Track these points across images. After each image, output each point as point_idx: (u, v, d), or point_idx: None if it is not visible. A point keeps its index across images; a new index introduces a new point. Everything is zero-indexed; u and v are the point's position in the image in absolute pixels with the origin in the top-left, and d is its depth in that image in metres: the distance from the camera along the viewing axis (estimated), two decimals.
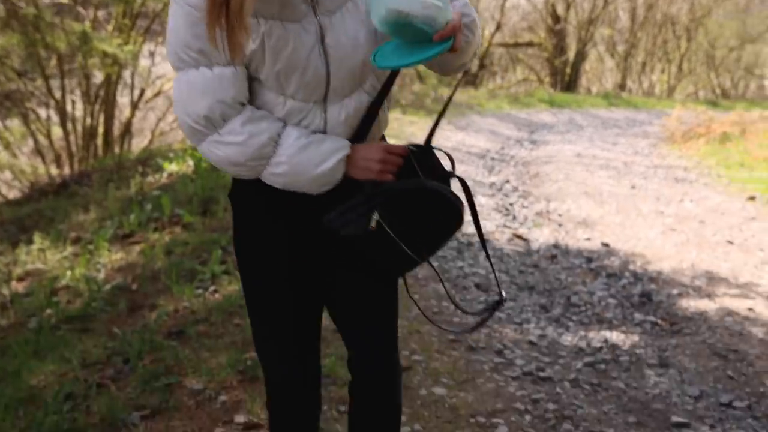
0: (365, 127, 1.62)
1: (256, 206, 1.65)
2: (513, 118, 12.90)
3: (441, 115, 1.66)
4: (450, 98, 1.70)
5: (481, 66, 19.15)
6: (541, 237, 5.24)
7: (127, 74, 9.06)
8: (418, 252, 1.60)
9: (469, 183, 7.14)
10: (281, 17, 1.49)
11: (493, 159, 8.64)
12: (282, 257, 1.65)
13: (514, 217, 5.76)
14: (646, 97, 20.27)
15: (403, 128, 9.58)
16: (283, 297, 1.67)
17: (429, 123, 10.57)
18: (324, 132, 1.59)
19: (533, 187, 7.05)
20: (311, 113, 1.56)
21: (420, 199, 1.57)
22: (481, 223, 5.29)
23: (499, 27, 19.13)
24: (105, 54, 7.59)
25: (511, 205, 6.21)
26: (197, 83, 1.49)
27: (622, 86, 22.08)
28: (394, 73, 1.63)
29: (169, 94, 9.57)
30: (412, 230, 1.59)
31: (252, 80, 1.55)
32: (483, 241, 1.73)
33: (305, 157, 1.54)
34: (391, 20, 1.40)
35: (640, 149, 9.94)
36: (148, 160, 6.94)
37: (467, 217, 1.64)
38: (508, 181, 7.23)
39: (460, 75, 1.81)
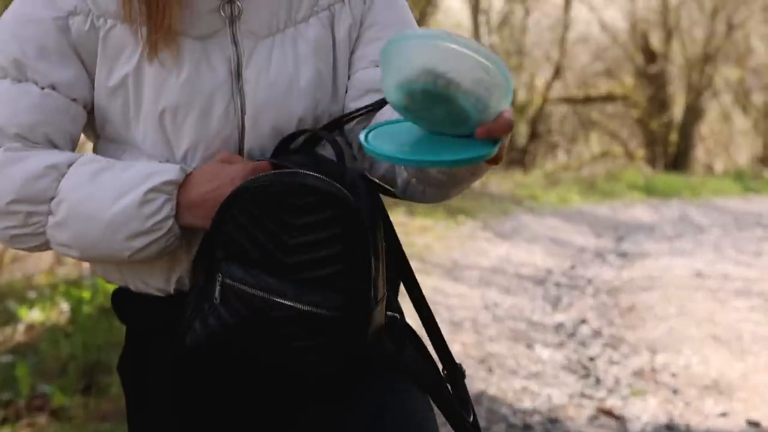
0: None
1: (159, 390, 1.69)
2: (588, 217, 13.02)
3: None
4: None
5: (533, 135, 19.48)
6: (645, 412, 5.20)
7: None
8: (314, 302, 1.49)
9: (523, 325, 7.14)
10: (189, 33, 1.58)
11: (558, 285, 8.68)
12: None
13: (598, 381, 5.74)
14: None
15: (411, 239, 9.67)
16: None
17: (453, 232, 10.67)
18: None
19: (627, 329, 7.06)
20: None
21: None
22: (547, 391, 5.34)
23: (558, 72, 19.60)
24: None
25: (591, 360, 6.19)
26: None
27: (764, 160, 22.36)
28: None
29: None
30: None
31: (118, 143, 1.63)
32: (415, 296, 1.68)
33: (96, 187, 1.53)
34: (420, 87, 1.37)
35: None
36: None
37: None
38: (584, 321, 7.24)
39: None
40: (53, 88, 1.58)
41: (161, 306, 1.61)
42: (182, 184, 1.53)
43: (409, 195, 1.70)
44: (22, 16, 1.59)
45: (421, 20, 15.26)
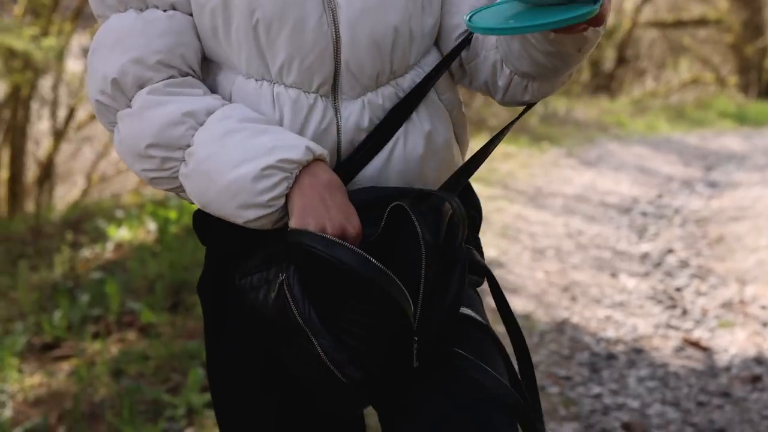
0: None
1: (236, 315, 1.72)
2: (676, 146, 12.87)
3: (498, 138, 1.73)
4: (520, 115, 1.77)
5: (620, 60, 19.23)
6: (734, 345, 5.20)
7: (46, 84, 9.34)
8: (340, 363, 1.54)
9: (608, 254, 7.12)
10: None
11: (644, 214, 8.63)
12: (275, 393, 1.72)
13: (685, 312, 5.74)
14: None
15: (494, 165, 9.67)
16: None
17: (536, 159, 10.63)
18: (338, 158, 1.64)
19: (716, 260, 7.02)
20: (313, 114, 1.62)
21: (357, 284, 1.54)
22: (632, 321, 5.36)
23: None
24: (11, 53, 7.88)
25: (678, 290, 6.19)
26: (112, 31, 1.61)
27: None
28: (455, 50, 1.69)
29: None
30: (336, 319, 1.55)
31: (211, 60, 1.66)
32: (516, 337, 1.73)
33: (221, 148, 1.55)
34: None
35: None
36: (82, 222, 7.12)
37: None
38: (671, 251, 7.22)
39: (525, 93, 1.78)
40: (173, 8, 1.60)
41: (243, 229, 1.61)
42: (311, 164, 1.55)
43: (511, 97, 1.73)
44: None
45: None
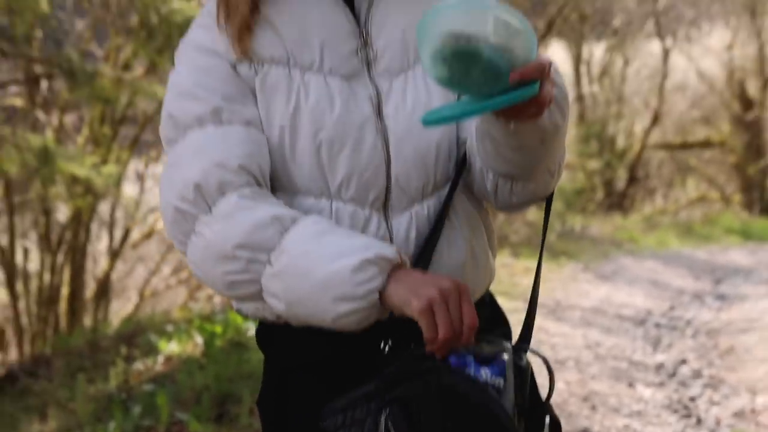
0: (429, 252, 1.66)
1: (299, 420, 1.68)
2: (686, 260, 12.82)
3: (538, 270, 1.78)
4: (544, 235, 1.78)
5: (631, 179, 19.26)
6: None
7: (104, 208, 9.46)
8: None
9: (625, 364, 7.04)
10: (322, 69, 1.65)
11: (658, 326, 8.58)
12: None
13: (699, 421, 5.67)
14: None
15: (515, 280, 9.66)
16: None
17: (555, 273, 10.61)
18: None
19: (727, 370, 6.95)
20: (369, 227, 1.64)
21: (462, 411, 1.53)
22: (649, 430, 5.30)
23: (657, 119, 19.37)
24: (74, 179, 7.98)
25: (692, 400, 6.12)
26: (191, 144, 1.62)
27: None
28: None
29: (165, 236, 9.92)
30: None
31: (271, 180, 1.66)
32: None
33: (317, 246, 1.53)
34: (449, 51, 1.43)
35: None
36: (135, 336, 7.16)
37: None
38: (684, 362, 7.15)
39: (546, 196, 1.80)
40: (249, 124, 1.63)
41: (315, 342, 1.61)
42: (396, 266, 1.52)
43: (502, 200, 1.72)
44: (199, 68, 1.66)
45: None
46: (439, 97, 1.66)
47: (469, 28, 1.40)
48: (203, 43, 1.67)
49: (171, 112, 1.65)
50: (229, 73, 1.64)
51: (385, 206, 1.65)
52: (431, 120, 1.50)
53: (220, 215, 1.56)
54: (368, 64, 1.66)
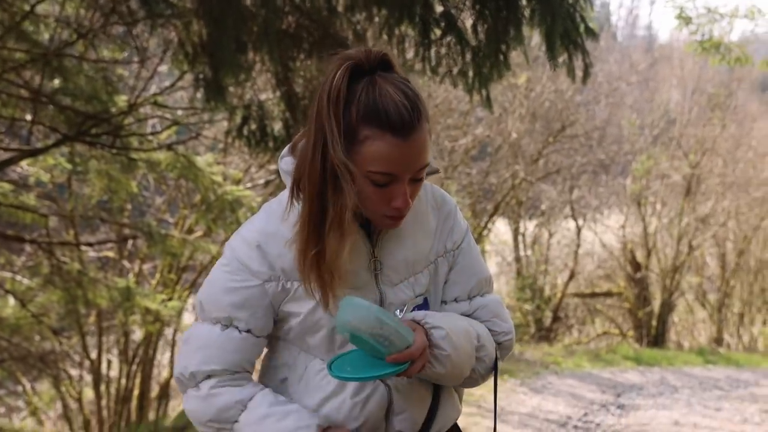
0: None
1: None
2: (595, 378, 12.56)
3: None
4: (495, 392, 1.75)
5: (555, 318, 19.16)
6: None
7: (168, 331, 9.30)
8: None
9: None
10: (344, 286, 1.56)
11: (576, 428, 8.30)
12: None
13: None
14: (748, 353, 19.66)
15: (470, 390, 9.37)
16: None
17: (500, 386, 10.34)
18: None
19: None
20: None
21: None
22: None
23: (572, 275, 19.40)
24: (147, 311, 7.85)
25: None
26: (201, 336, 1.57)
27: (718, 341, 21.60)
28: None
29: None
30: None
31: (296, 345, 1.63)
32: None
33: (259, 428, 1.55)
34: (346, 332, 1.48)
35: (749, 416, 9.43)
36: (186, 428, 6.86)
37: None
38: None
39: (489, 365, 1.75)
40: (249, 331, 1.58)
41: None
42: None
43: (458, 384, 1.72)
44: (233, 282, 1.57)
45: (479, 239, 15.31)
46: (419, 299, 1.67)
47: (359, 323, 1.45)
48: (248, 263, 1.57)
49: (201, 299, 1.62)
50: (256, 292, 1.57)
51: None
52: (335, 376, 1.52)
53: (201, 395, 1.58)
54: (376, 275, 1.60)
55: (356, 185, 1.47)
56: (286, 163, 1.59)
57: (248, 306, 1.56)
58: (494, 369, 1.71)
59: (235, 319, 1.56)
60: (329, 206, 1.47)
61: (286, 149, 1.62)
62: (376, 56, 1.49)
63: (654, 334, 19.78)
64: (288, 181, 1.57)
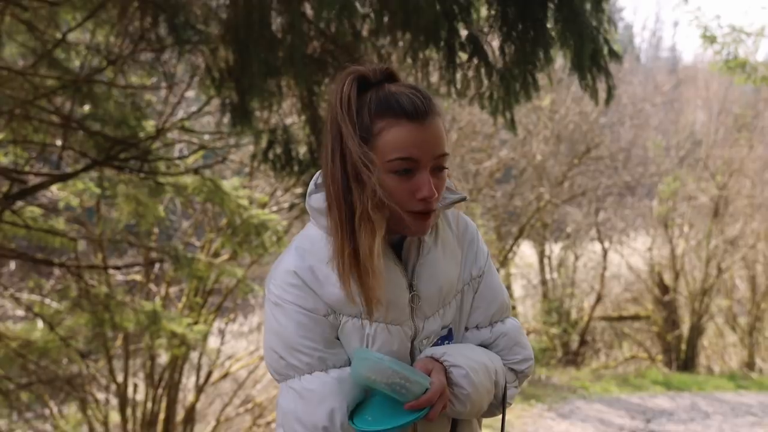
0: None
1: None
2: (624, 404, 12.40)
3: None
4: (503, 415, 1.74)
5: (582, 342, 18.96)
6: None
7: (194, 355, 9.32)
8: None
9: None
10: (386, 320, 1.57)
11: None
12: None
13: None
14: None
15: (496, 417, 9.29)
16: None
17: (527, 411, 10.26)
18: None
19: None
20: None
21: None
22: None
23: (599, 299, 19.22)
24: (173, 334, 7.88)
25: None
26: (314, 389, 1.52)
27: (749, 365, 21.23)
28: None
29: (237, 376, 9.70)
30: None
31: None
32: None
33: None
34: (362, 384, 1.52)
35: None
36: None
37: None
38: None
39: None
40: (346, 363, 1.58)
41: None
42: None
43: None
44: (301, 325, 1.55)
45: (505, 262, 15.24)
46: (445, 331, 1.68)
47: (373, 375, 1.48)
48: (304, 305, 1.55)
49: (282, 355, 1.56)
50: (325, 325, 1.56)
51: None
52: (360, 428, 1.52)
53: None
54: (413, 311, 1.60)
55: (377, 176, 1.48)
56: (316, 200, 1.59)
57: (331, 341, 1.56)
58: (503, 402, 1.73)
59: (327, 359, 1.55)
60: (356, 201, 1.48)
61: (312, 185, 1.62)
62: (382, 69, 1.55)
63: (683, 358, 19.50)
64: (318, 218, 1.58)
